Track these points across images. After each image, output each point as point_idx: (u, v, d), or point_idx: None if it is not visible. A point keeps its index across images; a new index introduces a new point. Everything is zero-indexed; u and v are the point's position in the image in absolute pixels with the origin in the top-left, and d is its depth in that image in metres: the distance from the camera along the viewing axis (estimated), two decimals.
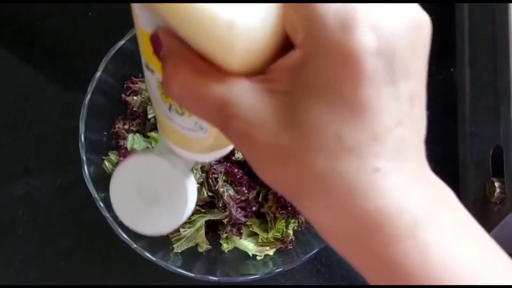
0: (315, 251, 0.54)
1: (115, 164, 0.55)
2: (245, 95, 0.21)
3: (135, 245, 0.52)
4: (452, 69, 0.66)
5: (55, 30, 0.68)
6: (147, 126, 0.57)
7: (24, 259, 0.62)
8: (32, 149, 0.64)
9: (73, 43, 0.67)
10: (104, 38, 0.67)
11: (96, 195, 0.52)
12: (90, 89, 0.53)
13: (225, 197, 0.53)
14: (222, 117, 0.21)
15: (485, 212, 0.54)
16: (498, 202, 0.51)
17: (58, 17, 0.68)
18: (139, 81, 0.58)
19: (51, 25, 0.68)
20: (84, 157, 0.52)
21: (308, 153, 0.20)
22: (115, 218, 0.52)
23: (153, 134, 0.56)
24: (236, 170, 0.52)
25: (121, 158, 0.54)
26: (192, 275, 0.52)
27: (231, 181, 0.52)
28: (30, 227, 0.63)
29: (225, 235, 0.56)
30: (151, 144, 0.55)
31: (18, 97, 0.66)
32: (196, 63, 0.21)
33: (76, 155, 0.61)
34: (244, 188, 0.52)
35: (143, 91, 0.57)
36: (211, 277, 0.53)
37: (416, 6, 0.21)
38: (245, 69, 0.21)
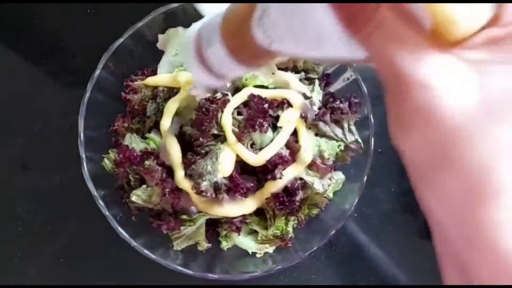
0: (314, 248, 0.54)
1: (115, 162, 0.55)
2: (441, 66, 0.21)
3: (134, 243, 0.52)
4: None
5: (54, 28, 0.68)
6: (146, 124, 0.57)
7: (23, 256, 0.62)
8: (31, 147, 0.64)
9: (72, 40, 0.67)
10: (103, 35, 0.67)
11: (95, 193, 0.52)
12: (89, 87, 0.53)
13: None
14: (410, 84, 0.21)
15: None
16: None
17: (56, 15, 0.68)
18: (139, 79, 0.58)
19: (50, 23, 0.68)
20: (83, 155, 0.51)
21: (494, 124, 0.19)
22: (115, 216, 0.52)
23: (151, 135, 0.56)
24: (233, 173, 0.52)
25: (120, 156, 0.54)
26: (192, 272, 0.52)
27: (229, 187, 0.52)
28: (29, 225, 0.63)
29: (224, 232, 0.56)
30: (149, 145, 0.55)
31: (17, 95, 0.66)
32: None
33: (75, 152, 0.61)
34: (239, 196, 0.52)
35: (143, 89, 0.57)
36: (210, 275, 0.53)
37: None
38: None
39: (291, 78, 0.56)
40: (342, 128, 0.56)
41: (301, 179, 0.54)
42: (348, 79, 0.57)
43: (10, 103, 0.65)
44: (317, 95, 0.57)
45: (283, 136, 0.53)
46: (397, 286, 0.64)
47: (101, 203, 0.51)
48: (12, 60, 0.67)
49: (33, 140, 0.64)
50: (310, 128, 0.54)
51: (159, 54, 0.58)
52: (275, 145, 0.52)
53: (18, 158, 0.64)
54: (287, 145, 0.53)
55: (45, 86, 0.66)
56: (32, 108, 0.65)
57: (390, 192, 0.64)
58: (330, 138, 0.56)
